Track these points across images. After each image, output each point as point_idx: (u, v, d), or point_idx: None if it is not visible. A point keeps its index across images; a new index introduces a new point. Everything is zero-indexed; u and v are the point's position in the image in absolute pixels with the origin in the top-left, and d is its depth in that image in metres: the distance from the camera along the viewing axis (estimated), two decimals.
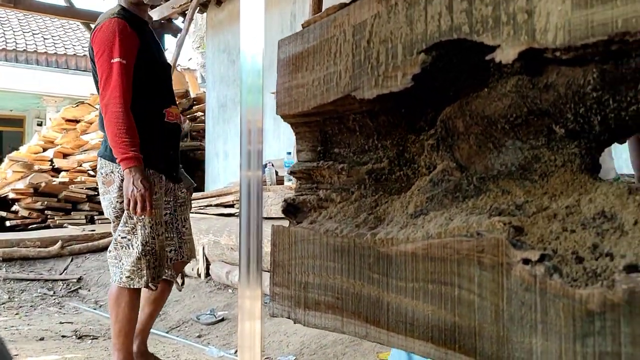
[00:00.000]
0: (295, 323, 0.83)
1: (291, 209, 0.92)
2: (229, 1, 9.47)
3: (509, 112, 0.66)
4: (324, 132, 0.90)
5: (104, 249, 8.33)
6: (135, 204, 2.89)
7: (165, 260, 3.24)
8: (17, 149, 11.33)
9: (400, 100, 0.77)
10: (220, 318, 5.08)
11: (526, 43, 0.59)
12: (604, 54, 0.56)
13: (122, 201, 3.00)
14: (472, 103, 0.69)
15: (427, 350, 0.67)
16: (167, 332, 5.02)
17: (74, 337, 4.88)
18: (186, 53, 18.82)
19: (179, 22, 10.87)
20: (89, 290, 7.03)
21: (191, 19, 9.20)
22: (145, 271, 3.09)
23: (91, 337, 4.93)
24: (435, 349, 0.67)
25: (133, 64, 3.00)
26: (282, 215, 0.98)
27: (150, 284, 3.13)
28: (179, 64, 11.98)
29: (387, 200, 0.81)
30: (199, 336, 4.84)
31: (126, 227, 3.06)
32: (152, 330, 5.00)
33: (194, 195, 7.49)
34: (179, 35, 10.02)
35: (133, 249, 3.06)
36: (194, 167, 10.60)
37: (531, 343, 0.59)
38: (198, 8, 9.52)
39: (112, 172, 3.05)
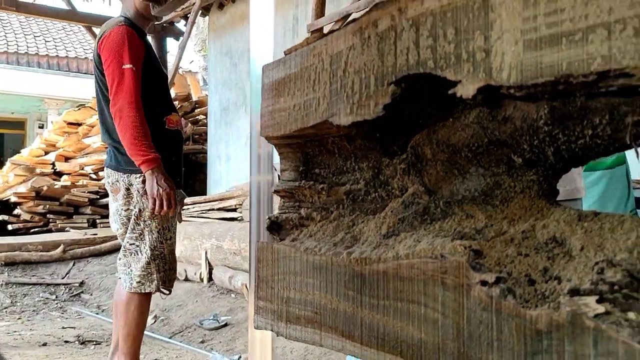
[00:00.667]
0: (277, 336, 0.88)
1: (275, 226, 0.96)
2: (231, 5, 9.50)
3: (471, 142, 0.71)
4: (306, 154, 0.95)
5: (106, 253, 8.37)
6: (162, 202, 2.95)
7: (175, 264, 3.27)
8: (19, 152, 11.38)
9: (374, 125, 0.82)
10: (223, 323, 5.09)
11: (484, 80, 0.64)
12: (553, 93, 0.60)
13: (128, 209, 3.07)
14: (439, 132, 0.74)
15: None
16: (170, 338, 5.03)
17: (76, 342, 4.91)
18: (188, 56, 18.88)
19: (181, 25, 10.91)
20: (91, 295, 7.05)
21: (193, 23, 9.23)
22: (155, 275, 3.15)
23: (94, 342, 4.95)
24: None
25: (141, 71, 3.07)
26: None
27: (161, 288, 3.17)
28: (180, 67, 12.02)
29: (363, 220, 0.85)
30: (202, 341, 4.85)
31: (134, 233, 3.11)
32: (155, 335, 5.01)
33: (197, 199, 7.53)
34: (181, 38, 10.06)
35: (142, 254, 3.11)
36: (196, 170, 10.65)
37: (488, 359, 0.63)
38: (200, 11, 9.56)
39: (117, 180, 3.12)
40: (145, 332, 4.96)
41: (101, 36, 3.16)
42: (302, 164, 0.96)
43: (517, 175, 0.71)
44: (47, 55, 17.22)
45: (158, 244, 3.13)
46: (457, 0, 0.67)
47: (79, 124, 11.24)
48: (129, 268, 3.14)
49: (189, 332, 5.16)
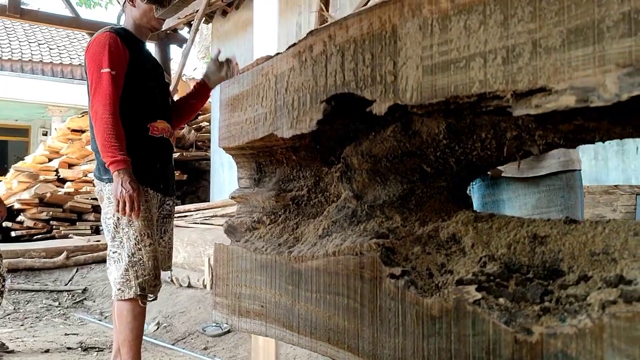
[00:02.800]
0: (231, 329, 0.98)
1: (231, 229, 1.06)
2: (234, 12, 9.59)
3: (389, 153, 0.80)
4: (258, 163, 1.05)
5: None
6: (125, 204, 3.02)
7: (158, 270, 3.30)
8: (23, 159, 11.47)
9: (315, 137, 0.92)
10: (226, 330, 5.08)
11: (393, 100, 0.74)
12: (447, 111, 0.70)
13: (109, 217, 3.16)
14: (363, 144, 0.84)
15: (325, 350, 0.82)
16: (173, 344, 5.03)
17: (79, 349, 4.93)
18: (191, 63, 18.99)
19: (184, 32, 11.00)
20: (94, 301, 7.05)
21: (197, 30, 9.31)
22: (133, 282, 3.20)
23: (97, 349, 4.97)
24: (331, 348, 0.81)
25: (123, 76, 3.17)
26: None
27: (139, 294, 3.21)
28: (184, 74, 12.10)
29: (306, 223, 0.95)
30: (205, 348, 4.84)
31: (115, 242, 3.19)
32: (157, 342, 5.05)
33: (200, 205, 7.61)
34: (184, 45, 10.15)
35: (122, 262, 3.18)
36: (199, 177, 10.73)
37: (395, 342, 0.73)
38: (203, 19, 9.65)
39: (100, 190, 3.23)
40: (148, 339, 5.01)
41: (89, 42, 3.30)
42: (256, 173, 1.06)
43: (429, 182, 0.80)
44: (51, 62, 17.35)
45: (136, 250, 3.19)
46: (374, 29, 0.77)
47: (83, 131, 11.32)
48: (112, 275, 3.23)
49: (191, 339, 5.16)
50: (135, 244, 3.19)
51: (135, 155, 3.16)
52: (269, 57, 0.97)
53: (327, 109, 0.83)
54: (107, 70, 3.15)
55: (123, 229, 3.14)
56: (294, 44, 0.92)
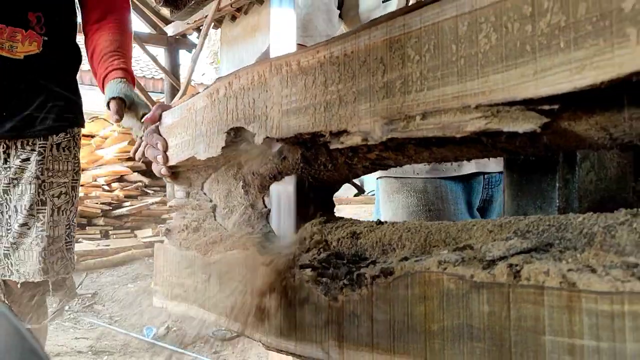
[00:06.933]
0: (165, 310, 1.24)
1: (168, 232, 1.33)
2: (243, 17, 9.78)
3: (270, 172, 1.07)
4: (189, 178, 1.32)
5: (119, 264, 8.56)
6: None
7: None
8: None
9: (225, 159, 1.18)
10: (236, 333, 5.16)
11: (265, 133, 1.00)
12: (298, 143, 0.96)
13: None
14: (254, 165, 1.10)
15: (222, 322, 1.08)
16: (183, 348, 5.16)
17: (89, 353, 5.04)
18: (200, 68, 19.28)
19: (193, 37, 11.23)
20: (104, 306, 7.17)
21: (206, 35, 9.53)
22: None
23: (107, 352, 5.09)
24: (227, 320, 1.07)
25: None
26: None
27: None
28: (192, 80, 12.35)
29: (219, 227, 1.22)
30: (215, 352, 4.92)
31: None
32: (167, 345, 5.12)
33: None
34: (193, 50, 10.38)
35: None
36: None
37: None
38: (212, 24, 9.86)
39: None
40: (158, 343, 5.10)
41: None
42: (187, 186, 1.33)
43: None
44: None
45: None
46: (255, 80, 1.03)
47: (92, 136, 11.58)
48: None
49: (201, 343, 5.26)
50: None
51: None
52: (192, 95, 1.23)
53: (228, 138, 1.10)
54: None
55: None
56: (208, 86, 1.18)
